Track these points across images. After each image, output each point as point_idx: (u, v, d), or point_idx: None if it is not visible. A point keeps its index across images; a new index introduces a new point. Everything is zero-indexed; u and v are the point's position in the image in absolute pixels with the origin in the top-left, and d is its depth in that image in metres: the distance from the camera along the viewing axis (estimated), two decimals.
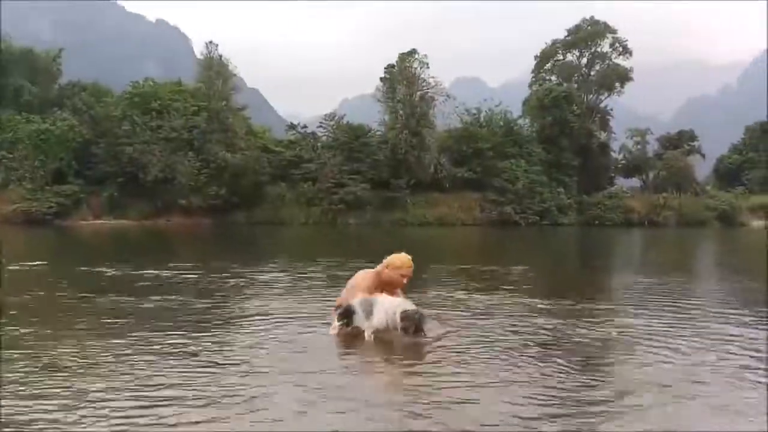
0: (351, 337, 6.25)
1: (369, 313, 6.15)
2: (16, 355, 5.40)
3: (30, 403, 4.19)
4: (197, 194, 51.74)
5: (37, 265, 14.54)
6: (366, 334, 6.14)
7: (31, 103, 56.65)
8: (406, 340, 6.02)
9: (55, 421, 3.92)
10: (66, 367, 5.09)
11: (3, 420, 3.90)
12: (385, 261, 6.76)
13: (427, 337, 6.11)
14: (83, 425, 3.86)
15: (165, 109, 54.70)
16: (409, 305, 6.24)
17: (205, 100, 55.61)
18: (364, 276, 6.85)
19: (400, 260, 6.72)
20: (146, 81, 60.26)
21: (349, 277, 6.98)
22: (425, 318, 6.24)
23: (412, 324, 6.03)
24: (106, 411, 4.07)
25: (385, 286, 6.70)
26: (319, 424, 3.94)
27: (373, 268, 6.81)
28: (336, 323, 6.35)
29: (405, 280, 6.76)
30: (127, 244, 28.35)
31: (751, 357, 5.60)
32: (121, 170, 51.93)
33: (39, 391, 4.45)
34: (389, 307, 6.14)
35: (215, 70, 57.06)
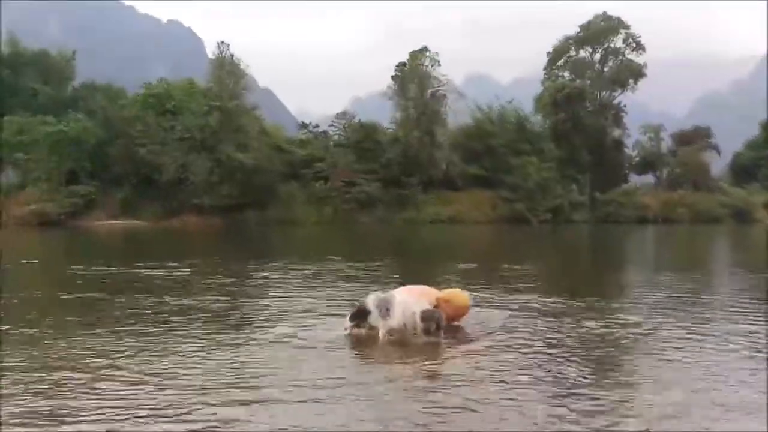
0: (365, 336, 6.26)
1: (386, 312, 6.16)
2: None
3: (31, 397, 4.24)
4: (210, 194, 51.85)
5: (34, 263, 14.68)
6: (380, 333, 6.16)
7: (45, 105, 56.99)
8: (422, 340, 6.05)
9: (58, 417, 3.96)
10: (68, 364, 5.14)
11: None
12: (447, 292, 6.87)
13: (444, 336, 6.18)
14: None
15: (178, 110, 54.91)
16: (428, 305, 6.32)
17: (217, 100, 55.69)
18: (426, 292, 6.78)
19: (463, 301, 6.84)
20: (160, 82, 60.51)
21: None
22: (444, 318, 6.30)
23: (434, 323, 6.15)
24: (113, 408, 4.10)
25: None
26: (331, 420, 3.97)
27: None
28: (348, 323, 6.34)
29: (452, 318, 6.75)
30: (142, 244, 28.52)
31: (759, 356, 5.57)
32: (135, 171, 52.22)
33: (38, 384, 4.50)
34: (407, 307, 6.20)
35: (227, 69, 57.23)
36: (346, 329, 6.36)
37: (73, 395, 4.39)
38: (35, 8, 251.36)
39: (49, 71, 61.15)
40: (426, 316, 6.16)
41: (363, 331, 6.31)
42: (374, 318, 6.21)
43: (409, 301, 6.29)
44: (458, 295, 6.91)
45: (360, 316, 6.29)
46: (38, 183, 50.40)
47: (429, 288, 6.98)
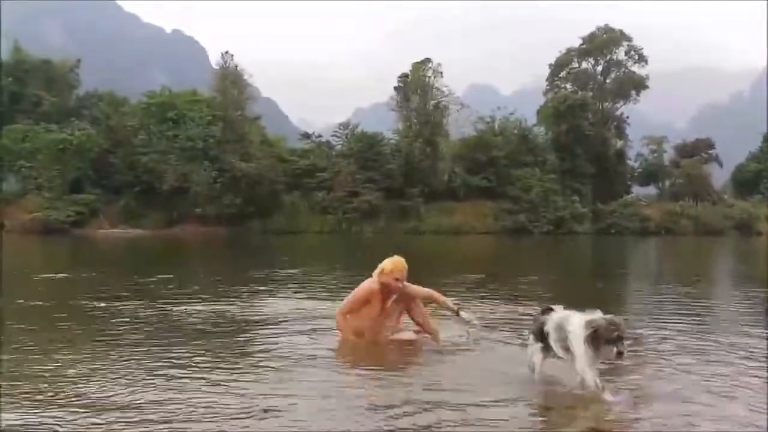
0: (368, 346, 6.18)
1: (565, 346, 4.60)
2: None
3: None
4: (212, 203, 52.04)
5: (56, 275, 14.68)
6: (588, 378, 4.44)
7: (49, 113, 57.30)
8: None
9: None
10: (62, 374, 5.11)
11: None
12: (379, 267, 6.50)
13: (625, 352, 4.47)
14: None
15: (181, 119, 55.20)
16: (589, 317, 4.60)
17: (221, 109, 56.03)
18: (366, 285, 6.55)
19: (391, 264, 6.45)
20: (163, 90, 60.86)
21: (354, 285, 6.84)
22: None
23: (618, 331, 4.39)
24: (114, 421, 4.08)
25: (386, 293, 6.50)
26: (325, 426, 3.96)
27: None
28: (534, 345, 4.98)
29: (399, 284, 6.43)
30: (142, 252, 28.50)
31: (762, 369, 5.54)
32: (137, 179, 52.45)
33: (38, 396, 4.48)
34: (579, 333, 4.50)
35: (230, 79, 57.55)
36: (531, 354, 5.01)
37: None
38: (38, 14, 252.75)
39: (53, 79, 61.45)
40: (615, 326, 4.39)
41: (546, 357, 4.90)
42: (554, 341, 4.71)
43: (578, 323, 4.55)
44: (386, 262, 6.47)
45: (541, 336, 4.86)
46: (41, 191, 50.59)
47: (370, 279, 6.54)
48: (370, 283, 6.54)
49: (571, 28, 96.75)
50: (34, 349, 6.06)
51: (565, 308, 4.93)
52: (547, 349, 4.81)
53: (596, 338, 4.36)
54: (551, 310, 4.94)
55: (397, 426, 4.04)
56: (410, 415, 4.22)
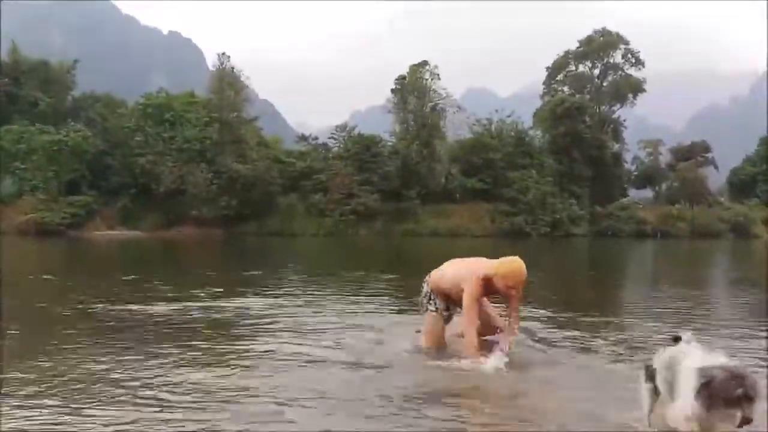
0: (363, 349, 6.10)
1: (671, 385, 3.52)
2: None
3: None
4: (209, 205, 51.92)
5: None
6: (680, 424, 3.37)
7: (45, 114, 57.06)
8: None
9: None
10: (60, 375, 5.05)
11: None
12: (496, 263, 5.60)
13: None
14: None
15: (178, 120, 55.12)
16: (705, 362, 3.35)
17: (217, 111, 55.94)
18: (475, 265, 5.72)
19: (508, 268, 5.54)
20: (159, 92, 60.74)
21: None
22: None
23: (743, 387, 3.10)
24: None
25: (487, 293, 5.72)
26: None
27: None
28: (645, 384, 3.87)
29: (513, 292, 5.58)
30: (138, 254, 28.43)
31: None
32: (134, 181, 52.36)
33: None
34: (687, 384, 3.31)
35: (227, 81, 57.41)
36: (642, 395, 3.95)
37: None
38: (37, 17, 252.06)
39: (50, 81, 61.23)
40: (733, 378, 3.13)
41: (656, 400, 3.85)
42: (661, 381, 3.65)
43: (697, 360, 3.38)
44: (505, 263, 5.56)
45: (651, 376, 3.80)
46: (37, 192, 50.41)
47: (473, 262, 5.80)
48: (480, 273, 5.63)
49: (570, 31, 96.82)
50: None
51: (691, 336, 3.86)
52: (657, 391, 3.74)
53: (710, 394, 3.13)
54: (679, 339, 3.84)
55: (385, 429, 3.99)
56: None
